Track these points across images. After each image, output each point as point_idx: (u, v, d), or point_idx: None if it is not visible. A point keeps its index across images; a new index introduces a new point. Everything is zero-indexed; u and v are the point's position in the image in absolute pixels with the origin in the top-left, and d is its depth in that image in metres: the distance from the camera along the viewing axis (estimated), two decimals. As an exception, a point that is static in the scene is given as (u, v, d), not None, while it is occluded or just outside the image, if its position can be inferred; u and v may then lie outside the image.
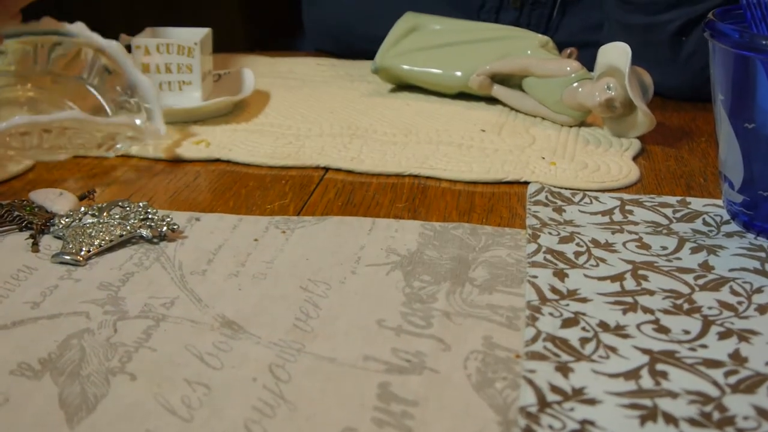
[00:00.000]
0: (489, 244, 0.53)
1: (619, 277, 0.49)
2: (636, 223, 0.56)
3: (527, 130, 0.75)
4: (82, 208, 0.56)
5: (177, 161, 0.68)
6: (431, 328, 0.44)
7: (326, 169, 0.67)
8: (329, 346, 0.43)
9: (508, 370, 0.41)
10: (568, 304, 0.46)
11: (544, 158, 0.68)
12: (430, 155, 0.68)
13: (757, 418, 0.37)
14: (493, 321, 0.45)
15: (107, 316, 0.45)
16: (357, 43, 0.97)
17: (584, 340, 0.43)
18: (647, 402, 0.38)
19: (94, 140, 0.64)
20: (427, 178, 0.65)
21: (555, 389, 0.39)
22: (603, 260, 0.51)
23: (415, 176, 0.66)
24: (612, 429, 0.36)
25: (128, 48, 0.78)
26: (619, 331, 0.43)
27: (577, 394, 0.38)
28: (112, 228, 0.54)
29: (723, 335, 0.43)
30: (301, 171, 0.67)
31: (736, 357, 0.41)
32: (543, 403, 0.38)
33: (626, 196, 0.61)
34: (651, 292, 0.47)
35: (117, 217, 0.55)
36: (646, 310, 0.45)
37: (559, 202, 0.59)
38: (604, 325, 0.44)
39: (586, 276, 0.49)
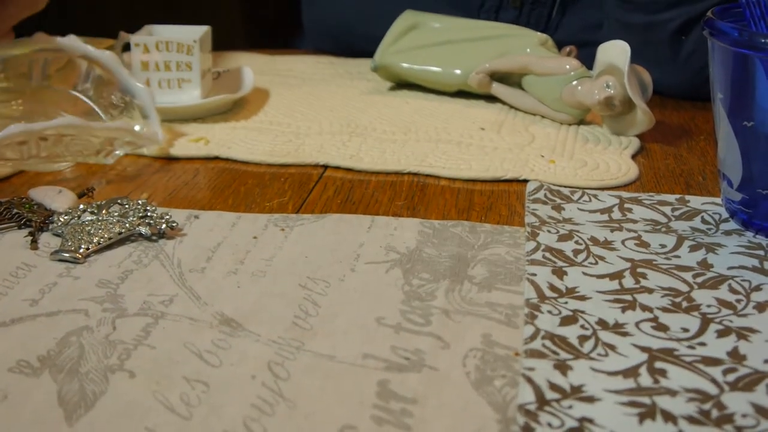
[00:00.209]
0: (488, 241, 0.53)
1: (618, 275, 0.49)
2: (635, 221, 0.56)
3: (526, 128, 0.75)
4: (81, 206, 0.56)
5: (176, 159, 0.68)
6: (430, 326, 0.44)
7: (325, 167, 0.67)
8: (328, 343, 0.43)
9: (507, 367, 0.41)
10: (566, 302, 0.46)
11: (543, 156, 0.68)
12: (429, 153, 0.68)
13: (755, 416, 0.37)
14: (492, 319, 0.45)
15: (106, 314, 0.45)
16: (356, 43, 0.97)
17: (583, 338, 0.43)
18: (646, 400, 0.38)
19: (92, 147, 0.64)
20: (427, 176, 0.65)
21: (554, 387, 0.39)
22: (602, 258, 0.51)
23: (415, 174, 0.66)
24: (611, 427, 0.36)
25: (127, 46, 0.78)
26: (617, 329, 0.43)
27: (576, 391, 0.38)
28: (111, 225, 0.54)
29: (722, 333, 0.43)
30: (300, 169, 0.67)
31: (735, 355, 0.41)
32: (542, 401, 0.38)
33: (625, 194, 0.61)
34: (650, 290, 0.47)
35: (116, 214, 0.55)
36: (645, 308, 0.46)
37: (558, 200, 0.59)
38: (603, 323, 0.44)
39: (585, 274, 0.49)
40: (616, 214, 0.57)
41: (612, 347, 0.42)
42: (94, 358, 0.41)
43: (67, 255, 0.51)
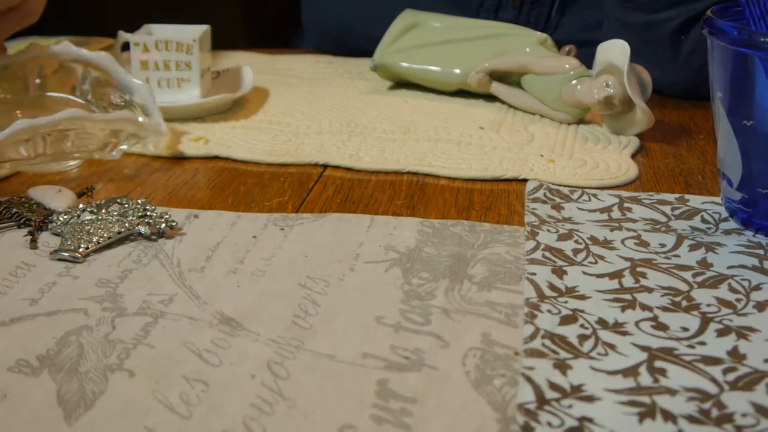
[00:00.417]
0: (487, 241, 0.53)
1: (617, 275, 0.49)
2: (634, 221, 0.56)
3: (526, 128, 0.75)
4: (81, 205, 0.56)
5: (175, 158, 0.68)
6: (430, 325, 0.44)
7: (325, 167, 0.67)
8: (328, 343, 0.43)
9: (507, 367, 0.41)
10: (566, 302, 0.46)
11: (542, 155, 0.68)
12: (428, 152, 0.68)
13: (755, 415, 0.37)
14: (492, 318, 0.45)
15: (105, 313, 0.45)
16: (356, 42, 0.97)
17: (583, 338, 0.42)
18: (646, 399, 0.38)
19: (98, 141, 0.64)
20: (426, 175, 0.65)
21: (554, 386, 0.39)
22: (601, 257, 0.51)
23: (414, 173, 0.66)
24: (610, 426, 0.36)
25: (126, 45, 0.78)
26: (617, 328, 0.43)
27: (576, 391, 0.38)
28: (110, 225, 0.54)
29: (721, 332, 0.43)
30: (300, 168, 0.67)
31: (735, 354, 0.41)
32: (541, 400, 0.38)
33: (625, 194, 0.61)
34: (649, 290, 0.47)
35: (115, 214, 0.55)
36: (645, 307, 0.45)
37: (558, 200, 0.59)
38: (602, 323, 0.44)
39: (584, 273, 0.49)
40: (616, 214, 0.57)
41: (612, 346, 0.42)
42: (94, 357, 0.41)
43: (66, 254, 0.51)
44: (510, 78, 0.80)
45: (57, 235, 0.54)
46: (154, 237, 0.54)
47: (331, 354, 0.42)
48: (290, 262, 0.51)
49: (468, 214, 0.58)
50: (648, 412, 0.37)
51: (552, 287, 0.47)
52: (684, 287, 0.48)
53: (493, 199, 0.61)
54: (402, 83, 0.87)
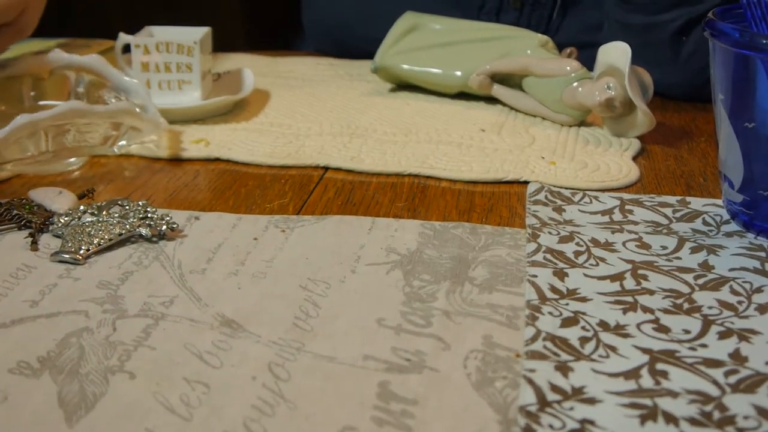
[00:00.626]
0: (489, 243, 0.53)
1: (619, 277, 0.49)
2: (636, 223, 0.56)
3: (527, 130, 0.75)
4: (82, 207, 0.56)
5: (176, 160, 0.68)
6: (431, 327, 0.44)
7: (326, 169, 0.67)
8: (329, 345, 0.43)
9: (508, 369, 0.41)
10: (567, 304, 0.46)
11: (543, 158, 0.68)
12: (429, 155, 0.68)
13: (757, 418, 0.37)
14: (493, 320, 0.45)
15: (106, 315, 0.45)
16: (357, 44, 0.97)
17: (584, 340, 0.42)
18: (647, 401, 0.38)
19: (98, 135, 0.64)
20: (427, 177, 0.65)
21: (555, 388, 0.38)
22: (603, 260, 0.51)
23: (415, 176, 0.65)
24: (612, 428, 0.36)
25: (127, 47, 0.78)
26: (619, 330, 0.43)
27: (577, 393, 0.38)
28: (111, 227, 0.53)
29: (723, 335, 0.43)
30: (301, 170, 0.67)
31: (737, 356, 0.41)
32: (543, 403, 0.38)
33: (626, 196, 0.61)
34: (651, 292, 0.47)
35: (116, 215, 0.55)
36: (646, 309, 0.45)
37: (559, 202, 0.59)
38: (604, 325, 0.44)
39: (585, 275, 0.49)
40: (617, 216, 0.57)
41: (613, 349, 0.42)
42: (95, 359, 0.41)
43: (67, 256, 0.51)
44: (511, 80, 0.80)
45: (58, 236, 0.54)
46: (155, 239, 0.54)
47: (332, 356, 0.42)
48: (291, 264, 0.51)
49: (469, 217, 0.58)
50: (649, 415, 0.37)
51: (553, 289, 0.47)
52: (685, 289, 0.48)
53: (494, 202, 0.61)
54: (403, 85, 0.87)
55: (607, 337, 0.43)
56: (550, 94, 0.76)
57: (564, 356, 0.41)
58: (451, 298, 0.47)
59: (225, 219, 0.57)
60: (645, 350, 0.42)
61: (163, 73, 0.76)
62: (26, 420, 0.37)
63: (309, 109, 0.80)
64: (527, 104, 0.78)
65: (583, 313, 0.45)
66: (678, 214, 0.58)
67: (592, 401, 0.38)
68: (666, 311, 0.45)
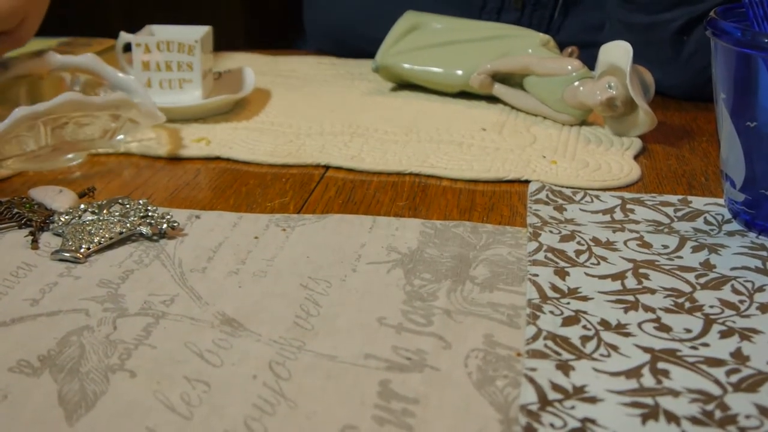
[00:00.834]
0: (490, 242, 0.53)
1: (620, 276, 0.49)
2: (637, 222, 0.56)
3: (528, 129, 0.75)
4: (82, 206, 0.56)
5: (177, 159, 0.68)
6: (432, 326, 0.44)
7: (327, 168, 0.67)
8: (330, 343, 0.42)
9: (509, 368, 0.40)
10: (569, 303, 0.46)
11: (545, 157, 0.68)
12: (430, 154, 0.68)
13: (759, 417, 0.37)
14: (494, 319, 0.45)
15: (107, 314, 0.45)
16: (357, 43, 0.97)
17: (585, 339, 0.42)
18: (649, 400, 0.38)
19: (97, 128, 0.64)
20: (428, 176, 0.65)
21: (556, 387, 0.38)
22: (604, 259, 0.51)
23: (416, 175, 0.65)
24: (613, 427, 0.36)
25: (128, 46, 0.78)
26: (620, 329, 0.43)
27: (578, 392, 0.38)
28: (111, 225, 0.53)
29: (725, 334, 0.43)
30: (302, 169, 0.67)
31: (738, 356, 0.41)
32: (544, 402, 0.37)
33: (627, 195, 0.61)
34: (652, 291, 0.47)
35: (117, 214, 0.55)
36: (648, 308, 0.45)
37: (560, 201, 0.59)
38: (605, 324, 0.44)
39: (587, 274, 0.49)
40: (618, 215, 0.57)
41: (614, 348, 0.42)
42: (95, 357, 0.41)
43: (67, 255, 0.51)
44: (512, 79, 0.80)
45: (58, 235, 0.54)
46: (155, 237, 0.53)
47: (333, 355, 0.42)
48: (292, 263, 0.51)
49: (470, 216, 0.58)
50: (651, 414, 0.37)
51: (554, 288, 0.47)
52: (687, 289, 0.48)
53: (496, 201, 0.61)
54: (404, 84, 0.86)
55: (608, 336, 0.43)
56: (552, 94, 0.75)
57: (565, 355, 0.41)
58: (452, 297, 0.47)
59: (226, 218, 0.57)
60: (646, 349, 0.42)
61: (164, 72, 0.76)
62: (26, 418, 0.37)
63: (310, 108, 0.80)
64: (528, 103, 0.78)
65: (585, 312, 0.45)
66: (679, 214, 0.57)
67: (593, 400, 0.38)
68: (667, 310, 0.45)
